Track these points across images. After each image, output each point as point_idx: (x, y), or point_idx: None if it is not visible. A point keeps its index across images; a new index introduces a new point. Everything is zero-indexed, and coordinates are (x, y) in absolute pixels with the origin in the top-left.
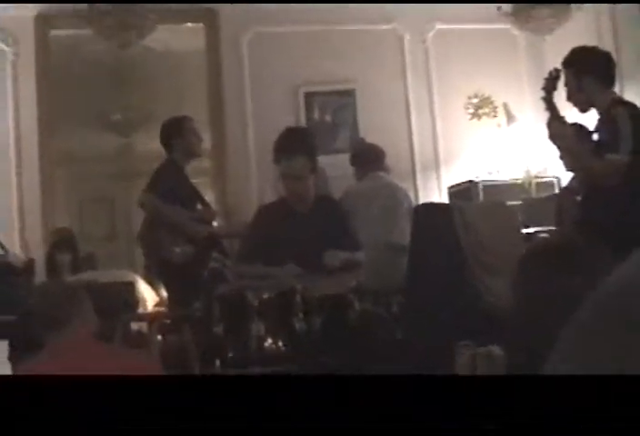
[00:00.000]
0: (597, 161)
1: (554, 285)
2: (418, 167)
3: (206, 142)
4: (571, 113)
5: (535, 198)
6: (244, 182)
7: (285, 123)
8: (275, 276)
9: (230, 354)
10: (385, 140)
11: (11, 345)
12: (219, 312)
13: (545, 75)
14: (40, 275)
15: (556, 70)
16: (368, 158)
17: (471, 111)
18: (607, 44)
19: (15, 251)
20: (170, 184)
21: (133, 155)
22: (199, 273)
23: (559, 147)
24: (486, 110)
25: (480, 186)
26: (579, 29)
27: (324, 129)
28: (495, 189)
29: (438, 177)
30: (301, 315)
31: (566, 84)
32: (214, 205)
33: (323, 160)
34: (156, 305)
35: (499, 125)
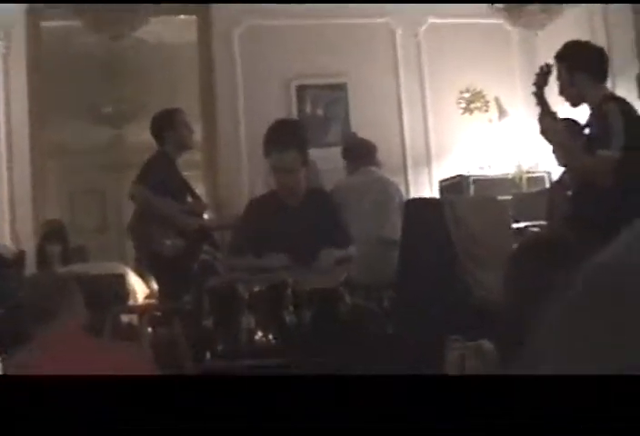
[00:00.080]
0: (588, 156)
1: (545, 279)
2: (409, 161)
3: (198, 134)
4: (563, 108)
5: (525, 193)
6: (235, 174)
7: (276, 116)
8: (265, 268)
9: (220, 347)
10: (376, 134)
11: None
12: (209, 305)
13: (537, 70)
14: (30, 267)
15: (548, 65)
16: (360, 152)
17: (463, 105)
18: (599, 40)
19: (6, 242)
20: (161, 177)
21: (124, 147)
22: (189, 266)
23: (550, 142)
24: (478, 104)
25: (471, 180)
26: (571, 24)
27: (315, 122)
28: (485, 183)
29: (429, 171)
30: (291, 309)
31: (559, 79)
32: (205, 198)
33: (314, 153)
34: (147, 298)
35: (490, 120)
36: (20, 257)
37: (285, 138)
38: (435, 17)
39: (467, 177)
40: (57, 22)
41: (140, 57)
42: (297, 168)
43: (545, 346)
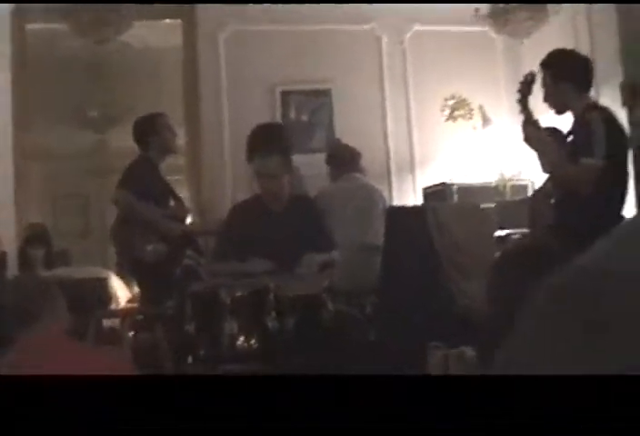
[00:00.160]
0: (571, 165)
1: (527, 287)
2: (393, 168)
3: (181, 138)
4: (547, 117)
5: (509, 201)
6: (218, 179)
7: (260, 121)
8: (248, 273)
9: (202, 352)
10: (360, 140)
11: None
12: (192, 310)
13: (522, 79)
14: (12, 270)
15: (532, 74)
16: (344, 159)
17: (447, 113)
18: (584, 49)
19: None
20: (143, 181)
21: (108, 152)
22: (172, 271)
23: (534, 150)
24: (462, 112)
25: (454, 188)
26: (556, 33)
27: (300, 128)
28: (469, 191)
29: (413, 178)
30: (274, 314)
31: (543, 86)
32: (188, 202)
33: (298, 159)
34: (129, 302)
35: (475, 128)
36: (1, 259)
37: (268, 143)
38: (421, 24)
39: (451, 185)
40: (42, 24)
41: (125, 61)
42: (281, 173)
43: (519, 350)
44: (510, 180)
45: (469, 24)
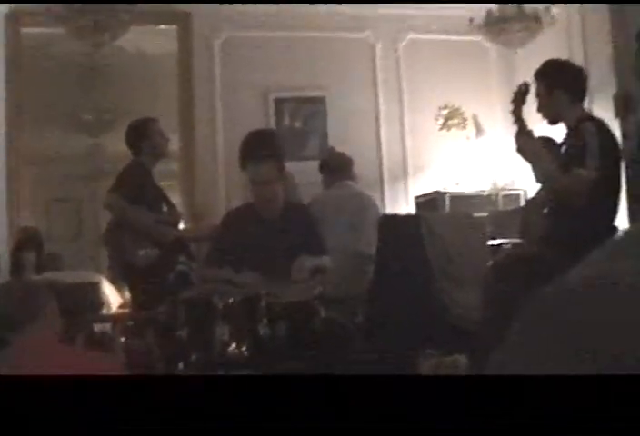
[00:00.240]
0: (564, 175)
1: (520, 296)
2: (386, 176)
3: (175, 144)
4: (540, 127)
5: (501, 210)
6: (212, 185)
7: (254, 127)
8: (237, 282)
9: (193, 357)
10: (354, 148)
11: None
12: (184, 316)
13: (515, 89)
14: (4, 274)
15: (526, 84)
16: (337, 166)
17: (440, 122)
18: (578, 59)
19: None
20: (136, 186)
21: (102, 156)
22: (164, 276)
23: (527, 160)
24: (456, 121)
25: (447, 197)
26: (550, 43)
27: (293, 135)
28: (461, 200)
29: (406, 187)
30: (265, 321)
31: (537, 96)
32: (181, 208)
33: (291, 166)
34: (120, 307)
35: (468, 137)
36: None
37: (262, 150)
38: (415, 33)
39: (443, 193)
40: (37, 28)
41: (120, 66)
42: (274, 180)
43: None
44: (503, 189)
45: (463, 34)
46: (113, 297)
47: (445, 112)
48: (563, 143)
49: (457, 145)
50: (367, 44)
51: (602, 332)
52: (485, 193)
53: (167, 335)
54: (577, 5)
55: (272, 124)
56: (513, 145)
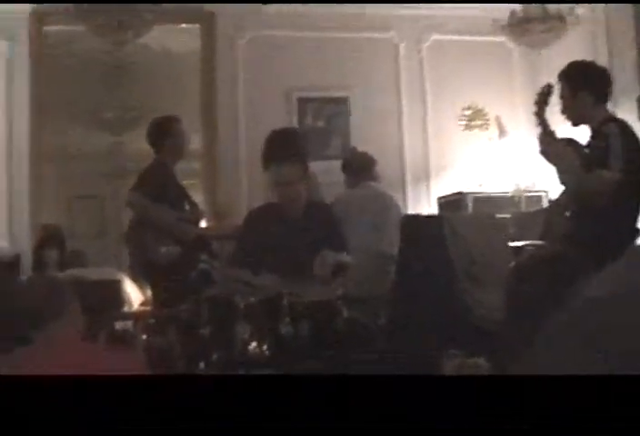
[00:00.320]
0: (587, 177)
1: (544, 296)
2: (409, 177)
3: (198, 143)
4: (564, 128)
5: (524, 212)
6: (234, 184)
7: (277, 127)
8: (256, 285)
9: (214, 356)
10: (376, 148)
11: None
12: (206, 314)
13: (539, 90)
14: (26, 271)
15: (549, 86)
16: (360, 167)
17: (463, 123)
18: (602, 60)
19: (3, 246)
20: (158, 184)
21: (124, 154)
22: (185, 274)
23: (550, 162)
24: (479, 122)
25: (470, 198)
26: (574, 44)
27: (316, 135)
28: (484, 201)
29: (428, 188)
30: (287, 320)
31: (561, 98)
32: (203, 206)
33: (314, 166)
34: (142, 304)
35: (490, 138)
36: (16, 260)
37: (285, 150)
38: (439, 34)
39: (467, 194)
40: (61, 26)
41: (143, 64)
42: (297, 180)
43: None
44: (525, 191)
45: (487, 35)
46: (134, 295)
47: (467, 113)
48: (586, 145)
49: (480, 146)
50: (391, 44)
51: (625, 337)
52: (508, 195)
53: (189, 333)
54: (602, 6)
55: (294, 124)
56: (535, 147)
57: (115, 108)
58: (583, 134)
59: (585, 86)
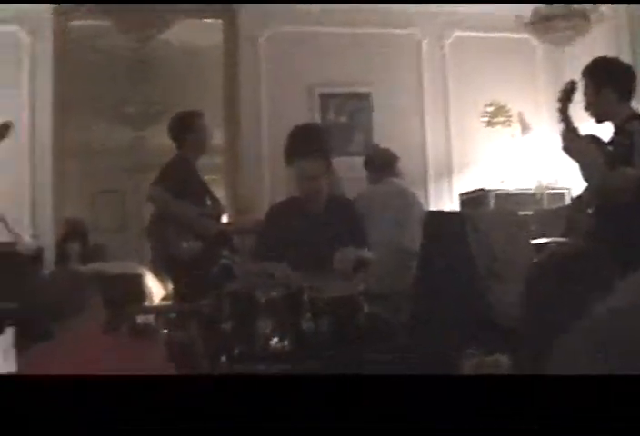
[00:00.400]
0: (611, 174)
1: (565, 295)
2: (431, 173)
3: (220, 138)
4: (587, 125)
5: (546, 209)
6: (256, 179)
7: (299, 122)
8: (280, 277)
9: (236, 351)
10: (399, 145)
11: (18, 332)
12: (228, 309)
13: (562, 87)
14: (49, 265)
15: (573, 82)
16: (382, 163)
17: (486, 119)
18: (625, 58)
19: (26, 239)
20: (180, 179)
21: (146, 149)
22: (207, 269)
23: (573, 159)
24: (501, 119)
25: (492, 195)
26: (598, 41)
27: (338, 130)
28: (506, 198)
29: (450, 184)
30: (309, 316)
31: (585, 94)
32: (225, 202)
33: (336, 162)
34: (163, 299)
35: (513, 135)
36: (39, 254)
37: (308, 144)
38: (462, 30)
39: (489, 191)
40: (84, 21)
41: (166, 59)
42: (320, 174)
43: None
44: (548, 188)
45: (510, 31)
46: (156, 289)
47: (490, 109)
48: (609, 142)
49: (502, 143)
50: (414, 40)
51: None
52: (531, 192)
53: (211, 328)
54: (625, 3)
55: (317, 119)
56: (558, 144)
57: (137, 103)
58: (606, 131)
59: (609, 83)
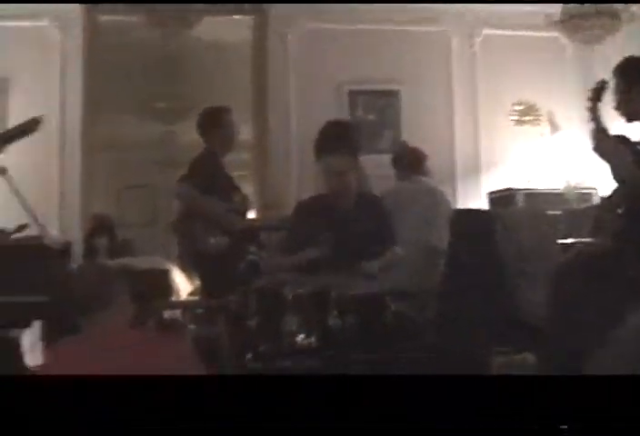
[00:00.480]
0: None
1: (591, 294)
2: (459, 172)
3: (248, 134)
4: (618, 124)
5: (575, 209)
6: (284, 175)
7: (327, 119)
8: (299, 264)
9: (262, 347)
10: (427, 143)
11: (45, 326)
12: (255, 305)
13: (592, 86)
14: (77, 260)
15: (603, 81)
16: (410, 161)
17: (515, 118)
18: None
19: (54, 233)
20: (207, 175)
21: (176, 144)
22: (234, 265)
23: (603, 158)
24: (530, 118)
25: (520, 194)
26: (629, 40)
27: (367, 128)
28: (535, 197)
29: (478, 183)
30: (335, 313)
31: (615, 93)
32: (253, 198)
33: (364, 159)
34: (190, 294)
35: (542, 134)
36: (66, 248)
37: (337, 140)
38: (491, 29)
39: (517, 190)
40: (114, 16)
41: (195, 55)
42: (348, 170)
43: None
44: (576, 188)
45: (540, 30)
46: (183, 284)
47: (519, 108)
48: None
49: (531, 142)
50: (443, 38)
51: None
52: (559, 191)
53: (237, 324)
54: None
55: (345, 116)
56: (587, 143)
57: (167, 98)
58: (636, 131)
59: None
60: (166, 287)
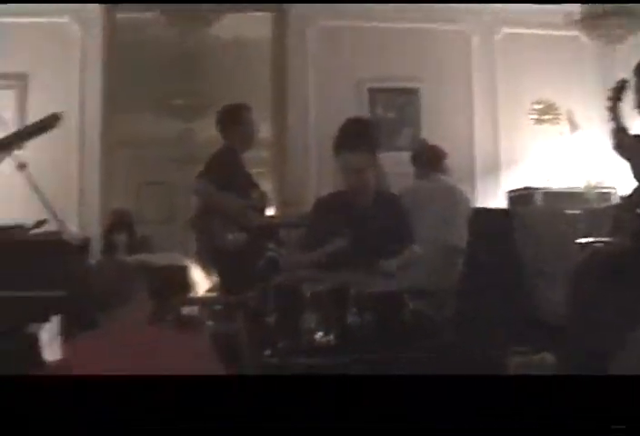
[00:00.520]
0: None
1: (609, 293)
2: (478, 170)
3: (267, 131)
4: (638, 124)
5: (594, 208)
6: (303, 172)
7: (347, 117)
8: (322, 258)
9: (280, 344)
10: (446, 141)
11: (64, 321)
12: (273, 302)
13: (612, 85)
14: (95, 255)
15: (623, 81)
16: (429, 159)
17: (534, 117)
18: None
19: (73, 229)
20: (225, 171)
21: (194, 141)
22: (253, 261)
23: (623, 158)
24: (550, 117)
25: (539, 193)
26: None
27: (386, 126)
28: (554, 196)
29: (497, 181)
30: (354, 311)
31: (636, 92)
32: (272, 195)
33: (383, 156)
34: (208, 291)
35: (561, 133)
36: (85, 244)
37: (357, 138)
38: (512, 27)
39: (536, 189)
40: (133, 13)
41: (214, 52)
42: (367, 167)
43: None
44: (596, 187)
45: (560, 29)
46: (201, 281)
47: (538, 107)
48: None
49: (551, 141)
50: (463, 36)
51: None
52: (579, 191)
53: (255, 321)
54: None
55: (365, 114)
56: (607, 142)
57: (185, 95)
58: None
59: None
60: (184, 283)
